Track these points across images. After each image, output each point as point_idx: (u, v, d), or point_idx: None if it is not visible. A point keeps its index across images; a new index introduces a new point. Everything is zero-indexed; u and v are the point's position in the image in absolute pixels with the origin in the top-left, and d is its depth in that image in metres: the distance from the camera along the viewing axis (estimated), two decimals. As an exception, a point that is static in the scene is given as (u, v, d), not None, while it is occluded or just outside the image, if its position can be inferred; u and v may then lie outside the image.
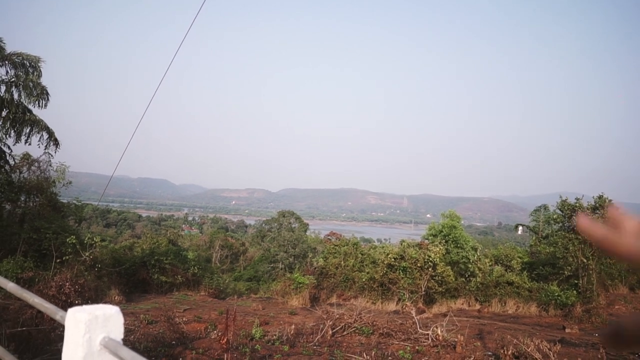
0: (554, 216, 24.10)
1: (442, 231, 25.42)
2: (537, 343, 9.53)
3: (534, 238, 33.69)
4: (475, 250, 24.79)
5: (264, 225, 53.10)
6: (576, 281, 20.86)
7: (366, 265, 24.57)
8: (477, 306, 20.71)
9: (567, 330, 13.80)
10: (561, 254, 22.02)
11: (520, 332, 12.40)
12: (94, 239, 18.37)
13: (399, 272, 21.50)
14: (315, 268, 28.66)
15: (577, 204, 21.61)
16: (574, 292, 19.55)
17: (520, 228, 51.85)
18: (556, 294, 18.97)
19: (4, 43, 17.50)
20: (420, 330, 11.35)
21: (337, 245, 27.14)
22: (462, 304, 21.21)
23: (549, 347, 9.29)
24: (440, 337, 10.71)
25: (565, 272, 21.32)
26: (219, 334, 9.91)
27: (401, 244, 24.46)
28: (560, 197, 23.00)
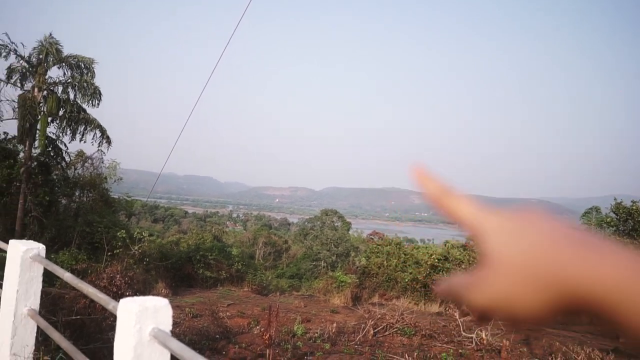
0: (608, 219, 23.11)
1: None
2: (587, 352, 9.18)
3: (585, 242, 32.38)
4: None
5: (306, 223, 53.36)
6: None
7: (409, 265, 24.30)
8: (524, 310, 20.13)
9: (621, 340, 13.17)
10: (615, 259, 21.14)
11: (570, 339, 11.97)
12: (143, 233, 18.99)
13: (443, 274, 21.17)
14: (357, 267, 28.60)
15: (634, 207, 20.65)
16: (629, 299, 18.71)
17: (570, 231, 49.96)
18: (609, 301, 18.22)
19: (61, 46, 18.31)
20: (464, 333, 11.14)
21: (379, 245, 26.97)
22: (508, 307, 20.67)
23: (600, 356, 8.94)
24: (485, 341, 10.48)
25: (620, 278, 20.41)
26: (262, 329, 10.06)
27: (445, 245, 24.07)
28: (615, 199, 22.04)
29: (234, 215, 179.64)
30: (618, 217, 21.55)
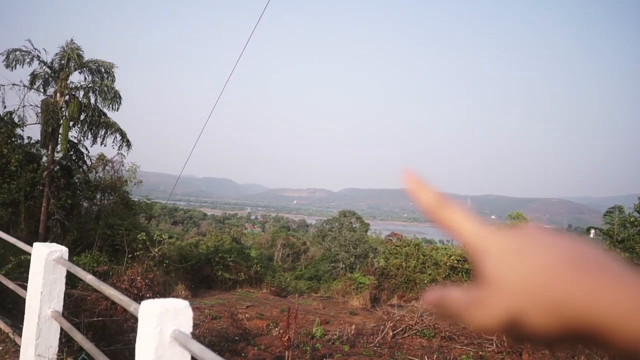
0: (631, 219, 22.70)
1: (508, 233, 24.56)
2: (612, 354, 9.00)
3: (607, 242, 31.83)
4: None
5: (325, 224, 53.29)
6: (656, 289, 19.55)
7: (428, 266, 24.15)
8: (546, 312, 19.86)
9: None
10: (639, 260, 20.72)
11: (593, 341, 11.75)
12: (163, 235, 19.20)
13: (462, 275, 20.98)
14: (376, 268, 28.49)
15: (658, 207, 20.24)
16: (654, 300, 18.33)
17: (592, 231, 49.01)
18: (633, 302, 17.87)
19: (82, 51, 18.63)
20: (484, 336, 11.02)
21: (398, 246, 26.85)
22: (529, 309, 20.41)
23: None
24: (506, 343, 10.36)
25: (644, 279, 20.02)
26: (281, 331, 10.08)
27: (464, 246, 23.84)
28: (638, 198, 21.61)
29: (252, 217, 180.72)
30: (642, 217, 21.13)
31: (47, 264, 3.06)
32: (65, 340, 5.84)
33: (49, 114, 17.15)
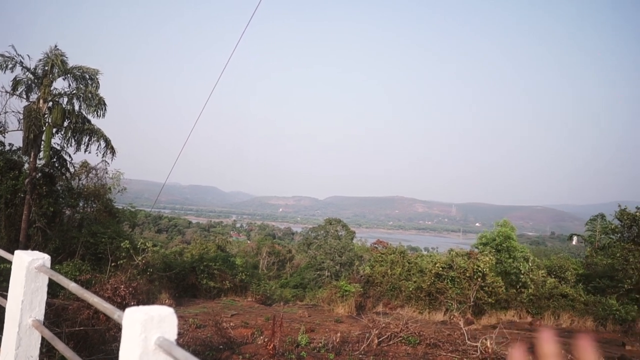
0: (612, 226, 23.07)
1: (495, 240, 24.78)
2: None
3: (589, 249, 32.29)
4: (527, 260, 24.00)
5: (310, 232, 53.26)
6: (638, 295, 19.81)
7: (413, 274, 24.24)
8: (529, 319, 20.00)
9: (627, 347, 13.09)
10: (620, 266, 21.02)
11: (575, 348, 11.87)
12: (147, 244, 19.01)
13: (447, 282, 21.09)
14: (361, 276, 28.52)
15: (638, 214, 20.59)
16: (635, 307, 18.57)
17: (575, 238, 49.77)
18: (614, 309, 18.08)
19: (66, 58, 18.46)
20: (469, 342, 11.08)
21: (383, 254, 26.92)
22: (513, 316, 20.54)
23: (606, 363, 8.87)
24: (490, 350, 10.42)
25: (625, 286, 20.30)
26: (266, 339, 10.03)
27: (449, 253, 24.00)
28: (619, 206, 21.99)
29: (238, 225, 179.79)
30: (622, 224, 21.48)
31: (28, 272, 3.01)
32: (46, 350, 5.75)
33: (32, 121, 16.93)
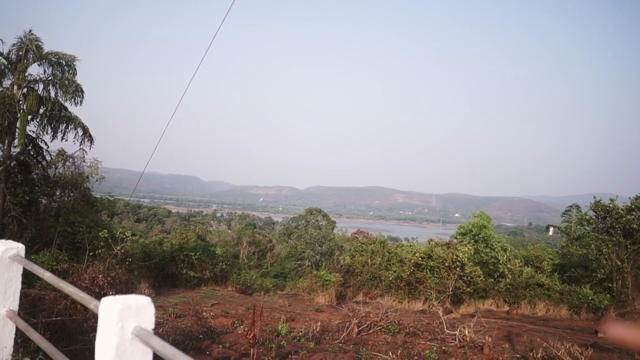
0: (587, 217, 23.52)
1: (471, 230, 25.11)
2: (567, 347, 9.32)
3: (565, 239, 32.95)
4: (505, 250, 24.39)
5: (291, 222, 53.29)
6: (610, 284, 20.31)
7: (393, 263, 24.45)
8: (506, 307, 20.38)
9: (599, 335, 13.44)
10: (594, 256, 21.48)
11: (551, 335, 12.15)
12: (125, 233, 18.78)
13: (426, 272, 21.33)
14: (342, 266, 28.66)
15: (612, 205, 21.03)
16: (608, 295, 19.05)
17: (551, 229, 50.71)
18: (589, 297, 18.52)
19: (41, 42, 18.00)
20: (447, 331, 11.24)
21: (364, 244, 27.08)
22: (491, 305, 20.91)
23: (580, 351, 9.09)
24: (468, 338, 10.59)
25: (599, 275, 20.78)
26: (246, 329, 10.03)
27: (429, 243, 24.25)
28: (594, 197, 22.41)
29: (218, 214, 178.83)
30: (597, 215, 21.91)
31: (1, 261, 2.96)
32: (22, 341, 5.66)
33: (5, 107, 16.50)
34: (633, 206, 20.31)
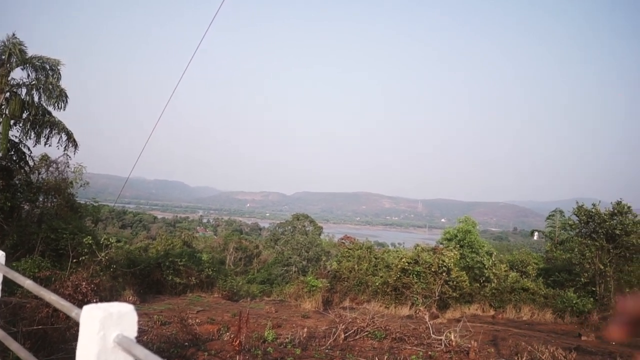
0: (570, 222, 23.82)
1: (457, 236, 25.26)
2: (552, 350, 9.40)
3: (549, 244, 33.30)
4: (490, 255, 24.57)
5: (278, 228, 53.20)
6: (593, 288, 20.56)
7: (380, 269, 24.48)
8: (492, 312, 20.50)
9: (583, 338, 13.58)
10: (577, 261, 21.73)
11: (535, 339, 12.24)
12: (110, 239, 18.55)
13: (413, 277, 21.38)
14: (328, 271, 28.63)
15: (594, 210, 21.32)
16: (591, 299, 19.26)
17: (536, 234, 51.30)
18: (573, 301, 18.71)
19: (25, 47, 17.81)
20: (434, 336, 11.27)
21: (350, 249, 27.08)
22: (476, 309, 21.02)
23: (564, 354, 9.17)
24: (454, 343, 10.62)
25: (582, 279, 21.03)
26: (232, 336, 9.95)
27: (415, 249, 24.33)
28: (577, 202, 22.71)
29: (205, 220, 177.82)
30: (580, 220, 22.19)
31: (-19, 269, 2.90)
32: (0, 351, 5.56)
33: (-13, 112, 16.28)
34: (615, 211, 20.62)
